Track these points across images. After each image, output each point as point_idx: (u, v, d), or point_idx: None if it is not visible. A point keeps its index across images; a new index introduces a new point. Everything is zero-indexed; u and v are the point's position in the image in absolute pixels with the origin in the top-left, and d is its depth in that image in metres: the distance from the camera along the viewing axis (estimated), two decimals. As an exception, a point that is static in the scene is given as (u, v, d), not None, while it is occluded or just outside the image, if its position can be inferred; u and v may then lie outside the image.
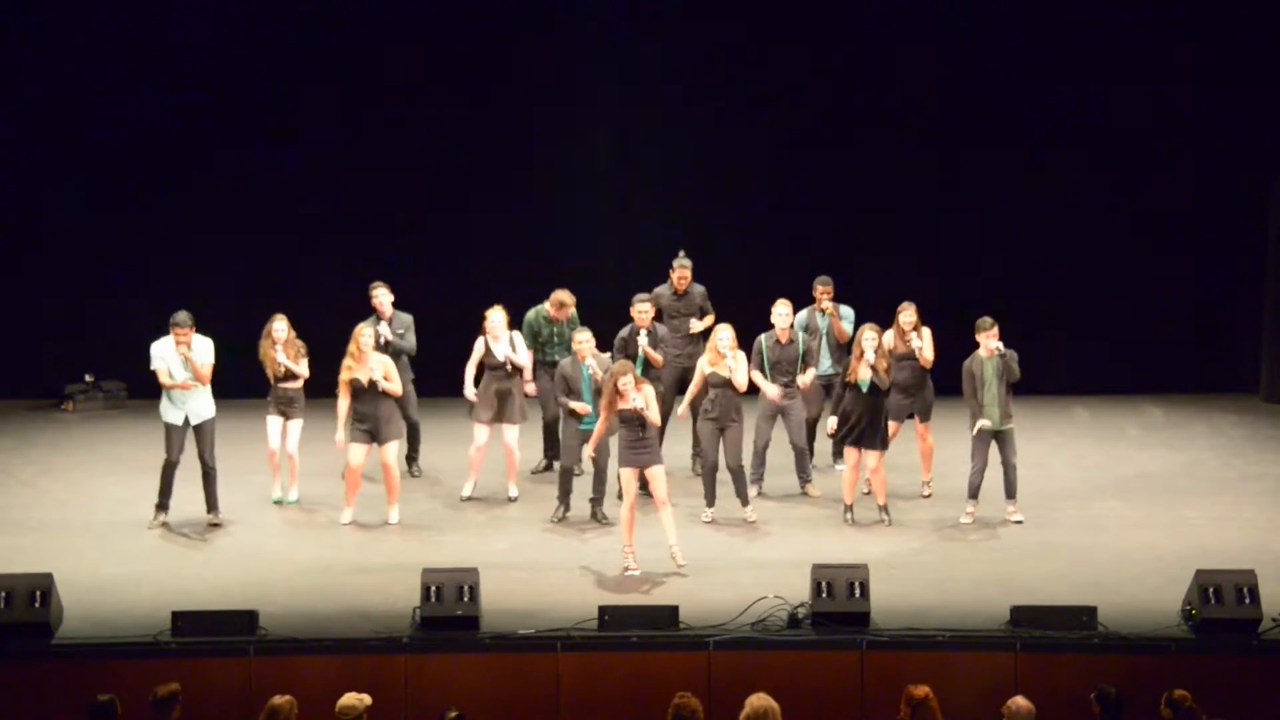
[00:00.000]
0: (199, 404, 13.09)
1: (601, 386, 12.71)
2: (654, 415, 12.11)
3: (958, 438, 14.09)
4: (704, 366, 13.17)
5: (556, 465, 13.99)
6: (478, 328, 13.81)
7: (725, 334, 13.08)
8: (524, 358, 13.84)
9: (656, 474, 12.16)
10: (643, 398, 12.02)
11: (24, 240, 17.45)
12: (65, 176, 17.27)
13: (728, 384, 13.04)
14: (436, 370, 14.76)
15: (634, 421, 12.08)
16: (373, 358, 13.17)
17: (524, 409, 13.86)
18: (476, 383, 13.85)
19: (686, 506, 13.39)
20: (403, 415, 13.80)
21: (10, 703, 10.34)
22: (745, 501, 13.30)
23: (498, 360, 13.70)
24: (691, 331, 14.39)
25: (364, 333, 13.26)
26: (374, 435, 13.15)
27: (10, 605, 10.65)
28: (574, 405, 13.25)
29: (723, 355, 13.00)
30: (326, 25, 17.15)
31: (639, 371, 13.16)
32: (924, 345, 13.58)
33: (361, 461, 13.21)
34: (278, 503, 13.75)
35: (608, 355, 13.51)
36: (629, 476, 12.18)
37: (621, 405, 11.99)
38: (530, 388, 14.03)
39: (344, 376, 13.14)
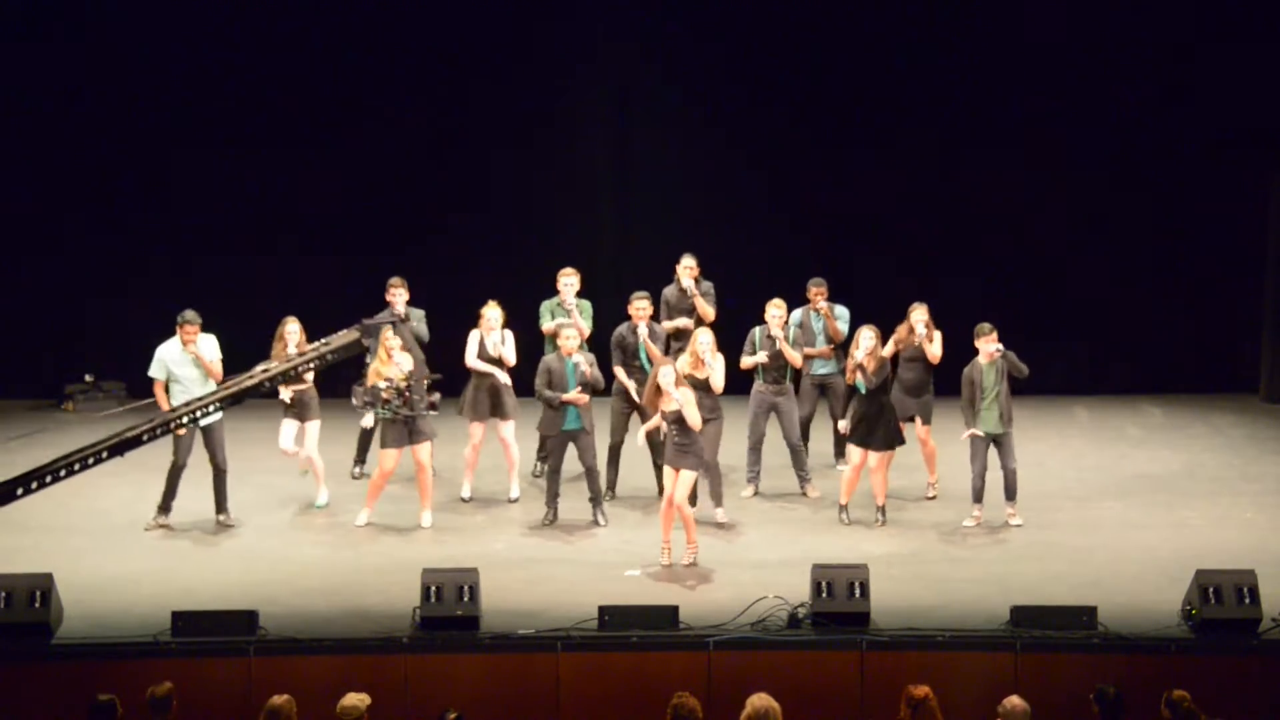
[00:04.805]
0: None
1: (591, 382, 12.84)
2: (692, 416, 12.02)
3: (957, 439, 14.09)
4: (683, 368, 12.95)
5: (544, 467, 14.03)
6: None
7: (705, 337, 12.99)
8: (511, 356, 13.73)
9: (683, 478, 12.15)
10: (683, 396, 12.01)
11: (25, 240, 17.45)
12: (65, 176, 17.27)
13: (704, 386, 12.88)
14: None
15: (679, 422, 12.07)
16: (403, 359, 13.03)
17: (516, 405, 13.76)
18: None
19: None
20: None
21: (10, 703, 10.34)
22: (718, 502, 13.23)
23: (490, 355, 13.64)
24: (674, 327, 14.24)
25: (391, 336, 13.09)
26: (409, 433, 12.99)
27: (10, 605, 10.65)
28: (565, 396, 12.95)
29: (702, 360, 12.93)
30: (330, 25, 17.15)
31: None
32: (935, 344, 13.56)
33: (393, 467, 13.12)
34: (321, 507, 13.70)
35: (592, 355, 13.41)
36: (668, 475, 12.24)
37: (664, 405, 12.01)
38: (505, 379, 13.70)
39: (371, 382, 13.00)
